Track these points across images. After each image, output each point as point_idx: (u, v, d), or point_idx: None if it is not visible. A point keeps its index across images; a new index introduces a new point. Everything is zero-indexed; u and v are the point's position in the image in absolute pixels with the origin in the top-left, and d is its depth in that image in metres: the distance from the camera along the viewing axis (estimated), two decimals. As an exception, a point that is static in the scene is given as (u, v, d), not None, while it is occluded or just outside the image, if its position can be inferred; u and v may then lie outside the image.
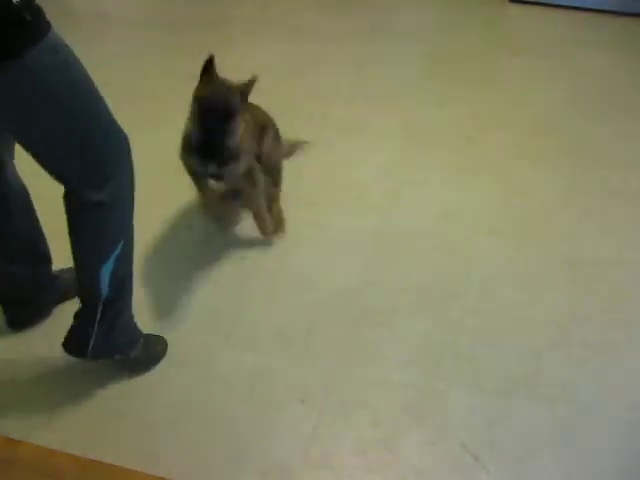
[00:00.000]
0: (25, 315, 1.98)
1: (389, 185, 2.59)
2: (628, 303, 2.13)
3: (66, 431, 1.74)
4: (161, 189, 2.57)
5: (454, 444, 1.72)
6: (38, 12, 1.33)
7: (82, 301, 1.74)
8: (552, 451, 1.72)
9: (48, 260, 1.94)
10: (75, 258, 1.68)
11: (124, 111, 3.00)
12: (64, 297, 2.01)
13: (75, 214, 1.61)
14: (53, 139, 1.45)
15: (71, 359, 1.81)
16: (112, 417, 1.79)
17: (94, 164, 1.52)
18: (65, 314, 1.81)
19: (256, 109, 2.28)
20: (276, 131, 2.41)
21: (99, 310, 1.69)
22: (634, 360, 1.96)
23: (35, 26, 1.32)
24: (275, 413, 1.80)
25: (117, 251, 1.63)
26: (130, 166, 1.62)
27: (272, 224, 2.31)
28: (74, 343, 1.76)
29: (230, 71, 3.34)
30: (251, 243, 2.33)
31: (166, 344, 1.94)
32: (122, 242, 1.64)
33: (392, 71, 3.33)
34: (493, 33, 3.70)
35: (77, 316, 1.76)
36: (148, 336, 1.90)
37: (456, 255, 2.29)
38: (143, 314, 2.05)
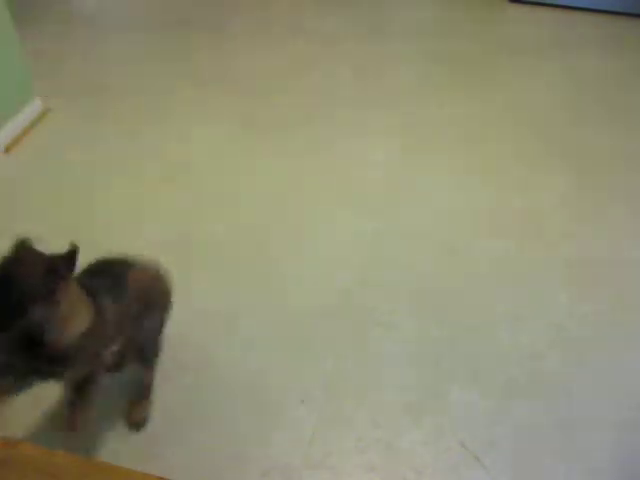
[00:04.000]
0: None
1: (389, 185, 2.59)
2: (628, 303, 2.13)
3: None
4: (162, 187, 2.58)
5: (454, 444, 1.72)
6: None
7: None
8: (552, 451, 1.72)
9: None
10: None
11: (125, 112, 3.03)
12: None
13: None
14: None
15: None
16: (112, 417, 1.79)
17: None
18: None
19: (140, 277, 1.63)
20: (164, 307, 1.75)
21: None
22: (634, 360, 1.96)
23: None
24: (275, 413, 1.80)
25: None
26: None
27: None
28: None
29: (230, 71, 3.36)
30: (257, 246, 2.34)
31: None
32: None
33: (392, 71, 3.32)
34: (492, 33, 3.70)
35: None
36: None
37: (456, 255, 2.29)
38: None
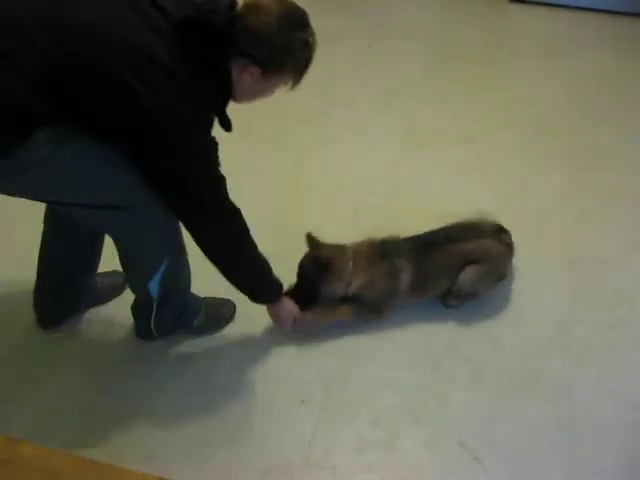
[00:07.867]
0: (56, 314, 1.96)
1: (389, 185, 2.59)
2: (628, 303, 2.13)
3: (66, 431, 1.75)
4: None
5: (454, 444, 1.72)
6: None
7: (136, 299, 1.87)
8: (552, 451, 1.72)
9: (93, 270, 1.96)
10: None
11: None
12: (98, 302, 2.04)
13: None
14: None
15: (72, 360, 1.81)
16: (112, 417, 1.79)
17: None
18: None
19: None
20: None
21: (154, 307, 1.82)
22: (634, 360, 1.96)
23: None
24: (275, 413, 1.80)
25: (162, 269, 1.71)
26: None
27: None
28: (141, 332, 1.94)
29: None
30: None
31: (234, 306, 2.04)
32: (167, 260, 1.71)
33: (392, 70, 3.32)
34: (493, 33, 3.70)
35: (135, 309, 1.91)
36: (213, 301, 2.01)
37: (456, 255, 2.28)
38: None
